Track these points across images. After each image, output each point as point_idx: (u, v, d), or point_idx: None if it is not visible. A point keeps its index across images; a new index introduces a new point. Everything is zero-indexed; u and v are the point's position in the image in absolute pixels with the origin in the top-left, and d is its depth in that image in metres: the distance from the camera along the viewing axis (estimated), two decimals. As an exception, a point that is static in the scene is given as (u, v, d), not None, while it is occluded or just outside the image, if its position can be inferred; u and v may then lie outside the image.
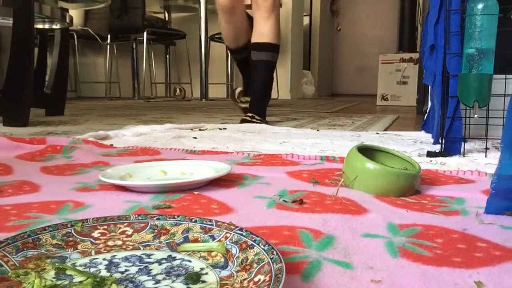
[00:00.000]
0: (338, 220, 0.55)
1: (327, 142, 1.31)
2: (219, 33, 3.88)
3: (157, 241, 0.45)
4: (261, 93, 1.91)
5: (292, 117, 2.35)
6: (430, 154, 1.04)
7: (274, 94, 3.09)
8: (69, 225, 0.45)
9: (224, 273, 0.38)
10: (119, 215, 0.48)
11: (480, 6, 0.92)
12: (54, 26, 2.26)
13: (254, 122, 1.82)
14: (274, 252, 0.38)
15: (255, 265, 0.38)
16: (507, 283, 0.38)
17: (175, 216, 0.48)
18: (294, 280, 0.39)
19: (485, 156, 1.02)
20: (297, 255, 0.44)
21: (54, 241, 0.43)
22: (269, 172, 0.85)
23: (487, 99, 0.96)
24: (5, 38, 3.36)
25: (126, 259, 0.41)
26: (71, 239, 0.44)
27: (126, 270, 0.39)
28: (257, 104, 1.92)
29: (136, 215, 0.48)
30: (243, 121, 1.85)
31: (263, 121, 1.86)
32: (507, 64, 1.07)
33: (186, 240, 0.45)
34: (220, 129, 1.64)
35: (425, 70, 1.36)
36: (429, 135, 1.42)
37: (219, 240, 0.43)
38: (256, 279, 0.35)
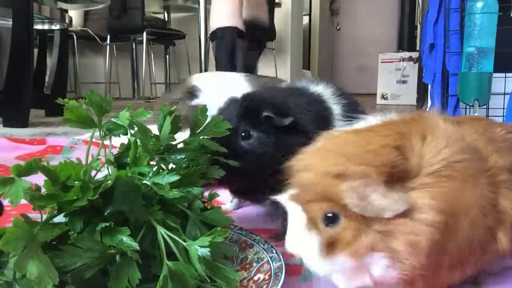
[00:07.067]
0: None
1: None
2: (219, 33, 3.90)
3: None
4: None
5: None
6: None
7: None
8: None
9: (224, 272, 0.38)
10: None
11: (479, 4, 0.92)
12: (53, 27, 2.26)
13: None
14: (274, 251, 0.38)
15: (254, 264, 0.38)
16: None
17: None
18: (294, 281, 0.39)
19: (485, 155, 1.02)
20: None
21: None
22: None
23: (487, 98, 0.96)
24: (4, 39, 3.36)
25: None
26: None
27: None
28: None
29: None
30: None
31: None
32: (506, 63, 1.07)
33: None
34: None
35: (425, 69, 1.36)
36: (429, 134, 1.41)
37: (219, 240, 0.43)
38: (255, 277, 0.35)
